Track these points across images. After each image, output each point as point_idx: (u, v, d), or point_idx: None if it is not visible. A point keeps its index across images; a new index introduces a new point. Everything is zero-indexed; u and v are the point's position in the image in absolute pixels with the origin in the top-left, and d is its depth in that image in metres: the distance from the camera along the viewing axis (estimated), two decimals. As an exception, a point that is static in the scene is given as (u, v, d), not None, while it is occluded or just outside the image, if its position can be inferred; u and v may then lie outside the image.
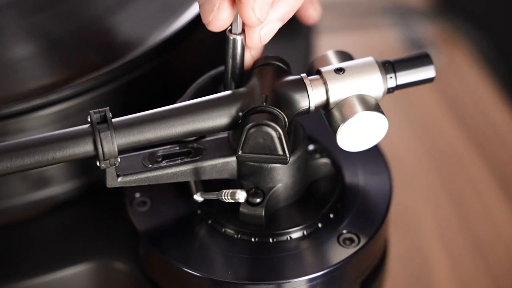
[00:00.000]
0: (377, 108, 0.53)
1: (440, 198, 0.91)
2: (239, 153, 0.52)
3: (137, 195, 0.58)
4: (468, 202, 0.91)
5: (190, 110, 0.52)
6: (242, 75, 0.55)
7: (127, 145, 0.51)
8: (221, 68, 0.56)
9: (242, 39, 0.53)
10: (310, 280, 0.52)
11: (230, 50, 0.54)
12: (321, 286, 0.53)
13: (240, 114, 0.52)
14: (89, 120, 0.50)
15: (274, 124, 0.51)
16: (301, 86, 0.53)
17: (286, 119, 0.52)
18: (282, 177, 0.54)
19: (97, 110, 0.51)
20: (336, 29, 1.12)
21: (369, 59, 0.54)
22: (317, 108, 0.53)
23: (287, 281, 0.52)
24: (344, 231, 0.55)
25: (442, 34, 1.14)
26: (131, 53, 0.61)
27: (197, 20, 0.63)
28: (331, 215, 0.55)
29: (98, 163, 0.51)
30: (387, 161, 0.60)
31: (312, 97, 0.53)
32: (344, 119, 0.52)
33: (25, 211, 0.62)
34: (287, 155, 0.51)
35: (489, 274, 0.83)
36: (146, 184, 0.54)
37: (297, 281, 0.52)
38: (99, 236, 0.61)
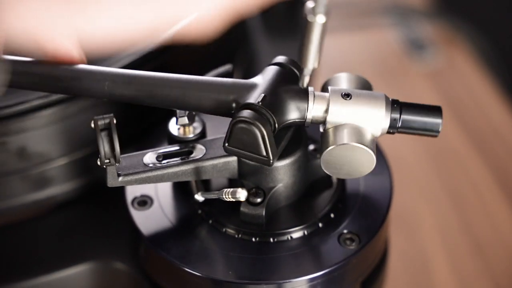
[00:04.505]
0: (369, 143, 0.52)
1: (440, 198, 0.91)
2: (225, 144, 0.52)
3: (138, 194, 0.58)
4: (468, 202, 0.91)
5: (191, 84, 0.52)
6: (318, 56, 0.51)
7: (120, 96, 0.52)
8: (227, 66, 0.56)
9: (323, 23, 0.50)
10: (311, 280, 0.52)
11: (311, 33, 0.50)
12: (322, 286, 0.53)
13: (234, 105, 0.52)
14: (92, 125, 0.51)
15: (258, 124, 0.50)
16: (303, 97, 0.52)
17: (276, 124, 0.51)
18: (283, 177, 0.54)
19: (102, 116, 0.51)
20: (336, 29, 1.12)
21: (380, 94, 0.53)
22: (314, 123, 0.53)
23: (287, 281, 0.52)
24: (345, 231, 0.55)
25: (442, 34, 1.14)
26: (131, 54, 0.61)
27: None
28: (332, 215, 0.55)
29: (99, 162, 0.51)
30: (388, 161, 0.60)
31: (310, 111, 0.52)
32: (332, 143, 0.51)
33: (25, 211, 0.62)
34: (271, 157, 0.51)
35: (489, 274, 0.83)
36: (147, 183, 0.54)
37: (298, 281, 0.52)
38: (99, 236, 0.61)
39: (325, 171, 0.53)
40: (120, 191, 0.57)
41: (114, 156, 0.51)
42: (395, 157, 0.72)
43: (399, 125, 0.52)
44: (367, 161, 0.52)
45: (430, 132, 0.53)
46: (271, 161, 0.51)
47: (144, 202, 0.57)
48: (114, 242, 0.61)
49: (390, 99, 0.53)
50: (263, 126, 0.50)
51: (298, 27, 0.77)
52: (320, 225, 0.55)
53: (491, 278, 0.83)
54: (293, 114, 0.52)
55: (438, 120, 0.52)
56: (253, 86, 0.52)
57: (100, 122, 0.51)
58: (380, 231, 0.55)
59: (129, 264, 0.59)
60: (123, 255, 0.60)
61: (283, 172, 0.54)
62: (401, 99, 0.53)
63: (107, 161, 0.51)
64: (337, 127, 0.52)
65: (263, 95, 0.51)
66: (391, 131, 0.53)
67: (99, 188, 0.61)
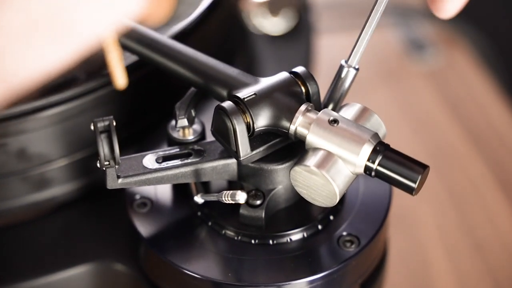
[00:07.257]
0: (335, 175, 0.50)
1: (440, 198, 0.91)
2: (211, 128, 0.53)
3: (138, 196, 0.58)
4: (468, 202, 0.91)
5: (200, 62, 0.56)
6: (339, 102, 0.55)
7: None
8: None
9: (354, 74, 0.54)
10: (310, 282, 0.52)
11: (341, 78, 0.54)
12: (321, 288, 0.53)
13: (225, 92, 0.53)
14: (92, 128, 0.51)
15: (232, 117, 0.51)
16: (292, 109, 0.52)
17: (254, 124, 0.51)
18: (282, 179, 0.54)
19: (101, 118, 0.51)
20: (336, 29, 1.12)
21: (368, 132, 0.50)
22: (298, 138, 0.52)
23: (287, 283, 0.52)
24: (344, 233, 0.55)
25: (442, 34, 1.14)
26: (132, 56, 0.61)
27: (199, 20, 0.64)
28: (331, 217, 0.56)
29: (98, 164, 0.51)
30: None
31: (294, 125, 0.52)
32: (301, 162, 0.51)
33: (26, 212, 0.62)
34: (240, 153, 0.51)
35: (489, 274, 0.83)
36: (146, 185, 0.54)
37: (297, 283, 0.52)
38: (99, 238, 0.61)
39: (294, 187, 0.52)
40: (119, 192, 0.57)
41: (113, 158, 0.51)
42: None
43: (375, 169, 0.50)
44: (329, 192, 0.50)
45: (404, 186, 0.50)
46: (240, 157, 0.52)
47: (143, 204, 0.57)
48: (114, 244, 0.61)
49: (377, 141, 0.51)
50: (237, 121, 0.51)
51: (299, 27, 0.77)
52: (320, 227, 0.55)
53: (491, 278, 0.83)
54: (276, 121, 0.52)
55: (416, 176, 0.50)
56: (251, 83, 0.53)
57: (99, 124, 0.51)
58: (380, 233, 0.55)
59: (128, 265, 0.59)
60: (123, 257, 0.60)
61: (282, 174, 0.54)
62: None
63: (107, 163, 0.51)
64: (315, 149, 0.51)
65: (253, 93, 0.52)
66: (367, 173, 0.51)
67: (99, 190, 0.61)
